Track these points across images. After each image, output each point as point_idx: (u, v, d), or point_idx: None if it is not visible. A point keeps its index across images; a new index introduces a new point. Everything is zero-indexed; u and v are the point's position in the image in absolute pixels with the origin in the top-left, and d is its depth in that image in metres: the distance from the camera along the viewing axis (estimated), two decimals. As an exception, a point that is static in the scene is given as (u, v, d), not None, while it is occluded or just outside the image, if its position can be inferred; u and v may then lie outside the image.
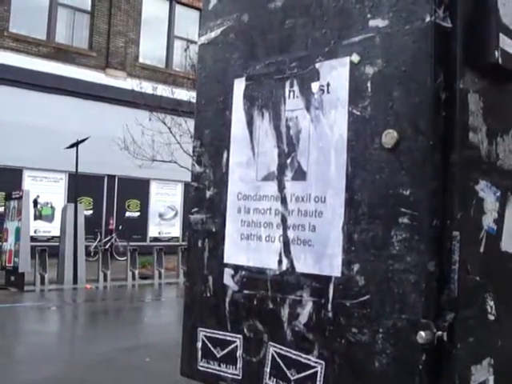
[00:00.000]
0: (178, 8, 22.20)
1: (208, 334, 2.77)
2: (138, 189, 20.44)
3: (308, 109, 2.44)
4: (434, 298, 2.06)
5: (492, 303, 2.27)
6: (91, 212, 19.52)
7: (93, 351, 8.29)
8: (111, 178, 19.83)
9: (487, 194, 2.25)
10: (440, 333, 2.01)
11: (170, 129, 18.94)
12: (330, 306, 2.30)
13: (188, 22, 21.93)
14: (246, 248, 2.63)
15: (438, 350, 2.02)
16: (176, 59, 21.95)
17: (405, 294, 2.09)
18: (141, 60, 20.95)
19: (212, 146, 2.84)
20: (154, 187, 21.27)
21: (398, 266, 2.11)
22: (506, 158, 2.38)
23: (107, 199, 20.11)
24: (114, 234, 19.72)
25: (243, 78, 2.72)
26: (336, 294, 2.28)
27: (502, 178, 2.34)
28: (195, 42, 21.69)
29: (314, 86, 2.42)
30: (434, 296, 2.06)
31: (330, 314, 2.30)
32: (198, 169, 2.90)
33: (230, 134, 2.75)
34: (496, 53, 2.17)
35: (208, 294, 2.79)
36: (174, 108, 18.73)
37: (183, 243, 19.62)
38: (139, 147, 18.43)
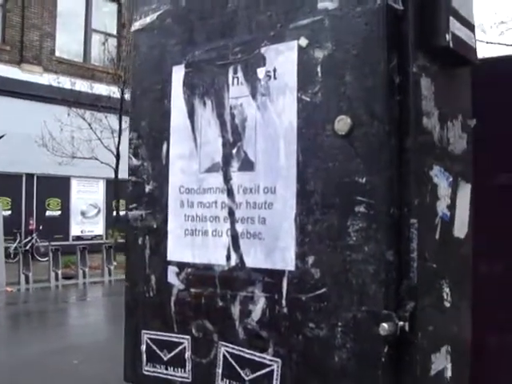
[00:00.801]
0: (96, 0, 21.54)
1: (152, 337, 2.62)
2: (58, 187, 19.73)
3: (254, 96, 2.32)
4: (393, 288, 2.00)
5: (448, 290, 2.24)
6: (9, 212, 18.70)
7: (17, 355, 7.89)
8: (30, 176, 19.03)
9: (440, 179, 2.21)
10: (402, 323, 1.95)
11: (90, 125, 18.46)
12: (284, 301, 2.20)
13: (106, 15, 21.36)
14: (191, 244, 2.49)
15: (399, 341, 1.96)
16: (94, 53, 21.30)
17: (364, 285, 2.02)
18: (57, 54, 20.17)
19: (150, 137, 2.68)
20: (74, 185, 20.59)
21: (355, 256, 2.03)
22: (456, 142, 2.35)
23: (26, 198, 19.30)
24: (34, 235, 18.96)
25: (182, 65, 2.57)
26: (290, 288, 2.18)
27: (453, 163, 2.31)
28: (114, 36, 21.35)
29: (260, 72, 2.30)
30: (393, 286, 2.00)
31: (285, 310, 2.20)
32: (135, 162, 2.73)
33: (169, 124, 2.60)
34: (447, 36, 2.12)
35: (151, 294, 2.63)
36: (94, 103, 18.28)
37: (107, 241, 19.21)
38: (58, 144, 17.88)
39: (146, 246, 2.66)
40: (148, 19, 2.69)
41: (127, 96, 19.03)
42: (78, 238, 20.42)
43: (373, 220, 2.00)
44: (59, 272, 15.76)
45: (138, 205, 2.70)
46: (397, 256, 2.01)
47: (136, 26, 2.75)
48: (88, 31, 21.18)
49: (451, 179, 2.28)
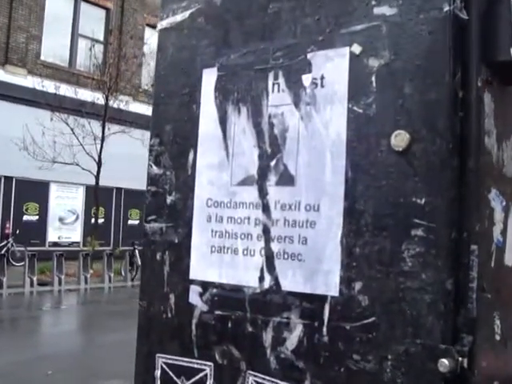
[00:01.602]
0: (84, 6, 21.30)
1: (169, 361, 2.41)
2: (36, 191, 19.39)
3: (297, 104, 2.15)
4: (451, 320, 1.83)
5: (499, 322, 2.08)
6: (-15, 216, 18.32)
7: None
8: (8, 179, 18.66)
9: (496, 203, 2.05)
10: (460, 359, 1.78)
11: (72, 130, 18.20)
12: (325, 329, 2.01)
13: (93, 20, 21.14)
14: (218, 262, 2.30)
15: (457, 379, 1.79)
16: (80, 58, 21.08)
17: (419, 315, 1.84)
18: (43, 58, 19.89)
19: (174, 144, 2.48)
20: (53, 190, 20.24)
21: (410, 284, 1.86)
22: (509, 164, 2.19)
23: (4, 202, 18.91)
24: (10, 239, 18.55)
25: (214, 69, 2.38)
26: (333, 315, 2.00)
27: (506, 186, 2.15)
28: (100, 42, 21.17)
29: (305, 79, 2.13)
30: (451, 318, 1.83)
31: (326, 339, 2.01)
32: (155, 170, 2.53)
33: (197, 131, 2.41)
34: (511, 50, 1.97)
35: (169, 315, 2.42)
36: (77, 109, 18.09)
37: (84, 248, 18.89)
38: (39, 148, 17.61)
39: (166, 263, 2.45)
40: (178, 17, 2.50)
41: (111, 102, 18.88)
42: (55, 244, 20.05)
43: (432, 245, 1.83)
44: (34, 278, 15.61)
45: (158, 217, 2.50)
46: (455, 285, 1.84)
47: (163, 24, 2.56)
48: (75, 36, 20.96)
49: (504, 203, 2.13)
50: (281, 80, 2.20)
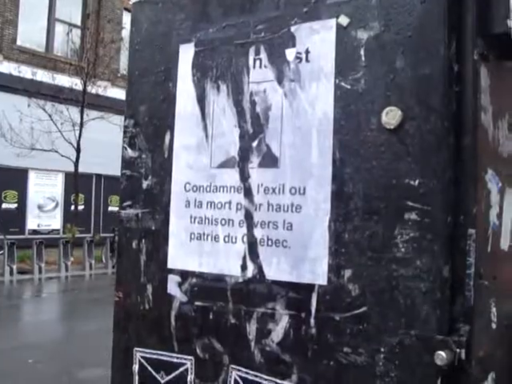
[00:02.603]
0: (60, -11, 20.86)
1: (147, 355, 2.27)
2: (15, 179, 19.03)
3: (280, 81, 2.01)
4: (447, 310, 1.72)
5: (495, 310, 1.97)
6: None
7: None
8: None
9: (493, 184, 1.93)
10: (458, 350, 1.66)
11: (50, 116, 17.90)
12: (312, 320, 1.89)
13: (70, 4, 20.68)
14: (198, 250, 2.16)
15: (454, 371, 1.68)
16: (57, 43, 20.66)
17: (414, 305, 1.73)
18: (19, 43, 19.42)
19: (150, 125, 2.33)
20: (32, 177, 19.89)
21: (404, 271, 1.74)
22: (504, 144, 2.07)
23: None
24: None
25: (192, 44, 2.23)
26: (321, 305, 1.88)
27: (502, 167, 2.04)
28: (78, 27, 20.76)
29: (289, 54, 1.99)
30: (447, 307, 1.72)
31: (314, 331, 1.89)
32: (130, 153, 2.38)
33: (173, 110, 2.26)
34: (508, 22, 1.84)
35: (146, 307, 2.29)
36: (55, 95, 17.77)
37: (64, 236, 18.65)
38: (17, 135, 17.28)
39: (142, 251, 2.31)
40: (152, -10, 2.34)
41: (90, 88, 18.56)
42: (35, 231, 19.75)
43: (427, 229, 1.71)
44: (14, 267, 15.44)
45: (134, 203, 2.35)
46: (452, 272, 1.72)
47: (137, -3, 2.40)
48: (51, 20, 20.51)
49: (500, 184, 2.01)
50: (263, 55, 2.05)
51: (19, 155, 17.40)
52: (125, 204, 2.38)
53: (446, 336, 1.69)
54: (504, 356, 2.10)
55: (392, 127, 1.77)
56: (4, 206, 19.19)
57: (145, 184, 2.32)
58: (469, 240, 1.74)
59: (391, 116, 1.77)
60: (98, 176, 21.50)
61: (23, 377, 6.68)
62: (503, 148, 2.08)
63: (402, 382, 1.73)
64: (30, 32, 19.63)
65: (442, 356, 1.64)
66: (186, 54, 2.24)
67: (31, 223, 20.04)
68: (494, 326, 1.98)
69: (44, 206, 20.51)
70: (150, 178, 2.31)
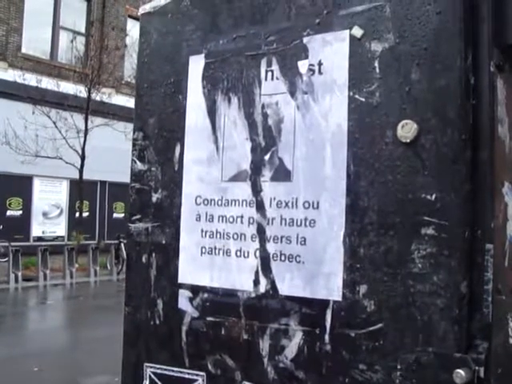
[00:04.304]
0: (65, -3, 20.92)
1: (158, 371, 2.24)
2: (20, 186, 19.07)
3: (293, 93, 1.98)
4: (465, 326, 1.68)
5: (511, 324, 1.93)
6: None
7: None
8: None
9: (509, 197, 1.90)
10: (477, 368, 1.63)
11: (55, 123, 17.93)
12: (327, 336, 1.86)
13: (74, 12, 20.76)
14: (209, 265, 2.13)
15: (474, 390, 1.64)
16: (62, 51, 20.72)
17: (431, 321, 1.69)
18: (24, 50, 19.49)
19: (159, 138, 2.30)
20: (37, 184, 19.91)
21: (421, 287, 1.71)
22: (519, 155, 2.05)
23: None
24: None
25: (202, 55, 2.21)
26: (336, 322, 1.84)
27: (517, 179, 2.01)
28: (82, 34, 20.83)
29: (302, 66, 1.96)
30: (465, 323, 1.68)
31: (328, 347, 1.85)
32: (139, 166, 2.35)
33: (184, 123, 2.23)
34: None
35: (157, 322, 2.25)
36: (60, 102, 17.80)
37: (69, 242, 18.67)
38: (22, 142, 17.32)
39: (152, 266, 2.28)
40: (162, 1, 2.32)
41: (94, 95, 18.59)
42: (40, 238, 19.76)
43: (445, 244, 1.68)
44: (19, 273, 15.45)
45: (143, 216, 2.32)
46: (469, 288, 1.69)
47: (146, 8, 2.38)
48: (56, 28, 20.58)
49: (516, 197, 1.98)
50: (275, 67, 2.02)
51: (24, 162, 17.43)
52: (134, 218, 2.35)
53: (464, 353, 1.65)
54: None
55: (408, 140, 1.74)
56: (9, 213, 19.21)
57: (154, 197, 2.29)
58: (486, 255, 1.70)
59: (407, 129, 1.74)
60: (103, 183, 21.52)
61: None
62: (518, 160, 2.04)
63: (420, 400, 1.70)
64: (34, 40, 19.70)
65: (461, 374, 1.60)
66: (196, 65, 2.21)
67: (36, 230, 20.06)
68: (511, 341, 1.95)
69: (49, 213, 20.53)
70: (159, 191, 2.28)
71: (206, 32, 2.20)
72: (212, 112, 2.16)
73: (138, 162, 2.36)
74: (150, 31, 2.38)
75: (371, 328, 1.78)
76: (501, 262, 1.83)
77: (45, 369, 7.37)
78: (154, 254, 2.28)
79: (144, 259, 2.30)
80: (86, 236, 19.29)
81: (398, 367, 1.73)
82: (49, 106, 17.72)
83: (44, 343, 9.12)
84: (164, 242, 2.26)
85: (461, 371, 1.60)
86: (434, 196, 1.70)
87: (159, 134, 2.31)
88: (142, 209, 2.34)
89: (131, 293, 2.37)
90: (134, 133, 2.40)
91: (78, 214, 19.07)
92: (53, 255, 16.43)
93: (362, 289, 1.80)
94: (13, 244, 16.46)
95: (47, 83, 17.92)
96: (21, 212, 19.58)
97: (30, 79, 17.74)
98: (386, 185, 1.78)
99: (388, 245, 1.77)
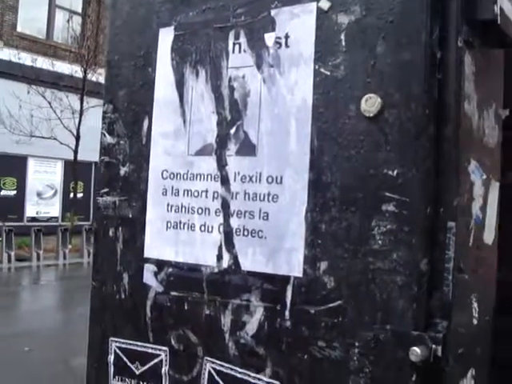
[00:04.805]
0: (61, -24, 20.69)
1: (123, 346, 2.22)
2: (14, 166, 18.95)
3: (259, 66, 1.94)
4: (425, 304, 1.66)
5: (476, 305, 1.92)
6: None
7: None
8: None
9: (476, 176, 1.88)
10: (434, 346, 1.61)
11: (50, 103, 17.79)
12: (287, 312, 1.84)
13: (71, -9, 20.56)
14: (174, 239, 2.11)
15: (429, 368, 1.62)
16: (57, 30, 20.54)
17: (390, 299, 1.67)
18: (19, 29, 19.28)
19: (129, 111, 2.27)
20: (31, 164, 19.81)
21: (381, 264, 1.68)
22: (490, 134, 2.02)
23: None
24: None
25: (171, 28, 2.16)
26: (296, 298, 1.82)
27: (487, 159, 1.98)
28: (78, 14, 20.61)
29: (268, 38, 1.92)
30: (425, 301, 1.66)
31: (288, 324, 1.84)
32: (109, 140, 2.32)
33: (152, 96, 2.20)
34: (495, 8, 1.78)
35: (122, 296, 2.24)
36: (55, 82, 17.64)
37: (63, 223, 18.62)
38: (16, 122, 17.19)
39: (119, 240, 2.25)
40: (132, -28, 2.27)
41: (90, 76, 18.45)
42: (33, 219, 19.70)
43: (405, 221, 1.65)
44: (12, 254, 15.36)
45: (111, 190, 2.29)
46: (430, 266, 1.67)
47: (117, -21, 2.33)
48: (52, 7, 20.37)
49: (485, 176, 1.96)
50: (242, 39, 1.99)
51: (18, 142, 17.32)
52: (102, 191, 2.33)
53: (423, 332, 1.64)
54: (485, 352, 2.05)
55: (371, 115, 1.71)
56: (3, 192, 19.14)
57: (122, 171, 2.26)
58: (448, 233, 1.68)
59: (370, 103, 1.71)
60: (97, 164, 21.42)
61: (18, 365, 6.65)
62: (488, 138, 2.02)
63: (377, 377, 1.68)
64: (30, 18, 19.51)
65: (416, 352, 1.58)
66: (166, 38, 2.18)
67: (30, 210, 19.99)
68: (475, 321, 1.93)
69: (43, 193, 20.46)
70: (127, 164, 2.26)
71: (176, 4, 2.16)
72: (180, 85, 2.13)
73: (107, 135, 2.34)
74: (121, 3, 2.34)
75: (331, 305, 1.76)
76: (465, 242, 1.81)
77: (35, 348, 7.36)
78: (120, 228, 2.26)
79: (111, 233, 2.28)
80: (79, 217, 19.24)
81: (356, 344, 1.71)
82: (44, 85, 17.57)
83: (35, 323, 9.12)
84: (131, 215, 2.23)
85: (416, 349, 1.59)
86: (395, 172, 1.67)
87: (128, 107, 2.28)
88: (110, 182, 2.31)
89: (98, 267, 2.35)
90: (103, 105, 2.37)
91: (72, 195, 19.00)
92: (46, 236, 16.39)
93: (323, 265, 1.77)
94: (6, 224, 16.42)
95: (42, 63, 17.77)
96: (15, 192, 19.51)
97: (26, 58, 17.57)
98: (348, 160, 1.75)
99: (349, 221, 1.74)
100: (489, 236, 2.05)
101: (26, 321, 9.73)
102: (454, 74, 1.70)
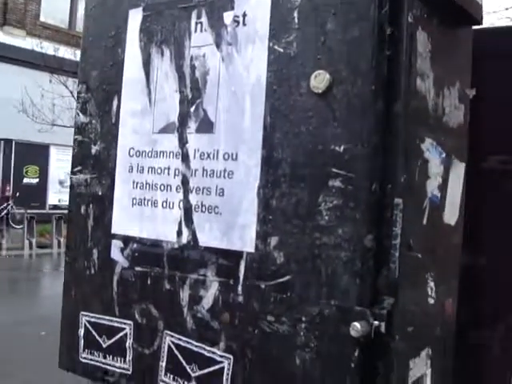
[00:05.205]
0: (84, -36, 20.79)
1: (92, 320, 2.27)
2: (36, 154, 19.16)
3: (218, 45, 1.96)
4: (370, 281, 1.67)
5: (432, 284, 1.91)
6: (-14, 178, 18.22)
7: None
8: (8, 142, 18.43)
9: (432, 154, 1.87)
10: (377, 323, 1.62)
11: (71, 92, 17.92)
12: (240, 287, 1.86)
13: (94, -21, 20.63)
14: (139, 215, 2.14)
15: (373, 344, 1.63)
16: (80, 20, 20.66)
17: (335, 274, 1.68)
18: (42, 19, 19.46)
19: (100, 91, 2.31)
20: (54, 153, 20.01)
21: (326, 239, 1.70)
22: (452, 113, 2.01)
23: (3, 165, 18.73)
24: (10, 201, 18.45)
25: (140, 9, 2.19)
26: (248, 273, 1.85)
27: (447, 138, 1.97)
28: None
29: (227, 17, 1.94)
30: (370, 278, 1.67)
31: (241, 298, 1.86)
32: (82, 119, 2.36)
33: (122, 76, 2.23)
34: (449, -17, 1.77)
35: (92, 272, 2.28)
36: (77, 71, 17.71)
37: (85, 212, 18.76)
38: (39, 110, 17.39)
39: (90, 216, 2.30)
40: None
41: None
42: (55, 206, 19.89)
43: (350, 197, 1.66)
44: (33, 240, 15.51)
45: (83, 168, 2.34)
46: (376, 242, 1.67)
47: (92, -40, 2.36)
48: (75, -3, 20.52)
49: (444, 155, 1.95)
50: (203, 19, 2.01)
51: (40, 131, 17.52)
52: (75, 169, 2.37)
53: (368, 308, 1.64)
54: (446, 333, 2.05)
55: (320, 91, 1.72)
56: (25, 180, 19.38)
57: (93, 149, 2.30)
58: (395, 210, 1.68)
59: (319, 80, 1.71)
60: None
61: (34, 348, 6.75)
62: (450, 118, 2.01)
63: (322, 352, 1.70)
64: (53, 8, 19.67)
65: (356, 327, 1.59)
66: (135, 18, 2.20)
67: (52, 198, 20.19)
68: (431, 301, 1.93)
69: (65, 181, 20.64)
70: (98, 143, 2.29)
71: (145, -16, 2.19)
72: (147, 65, 2.15)
73: (80, 114, 2.37)
74: (94, -16, 2.37)
75: (280, 280, 1.77)
76: (416, 219, 1.80)
77: (51, 333, 7.45)
78: (91, 205, 2.30)
79: (83, 210, 2.32)
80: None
81: (303, 319, 1.73)
82: (66, 75, 17.67)
83: (53, 308, 9.18)
84: (100, 193, 2.27)
85: (357, 324, 1.59)
86: (342, 148, 1.68)
87: (100, 87, 2.31)
88: (82, 161, 2.35)
89: (71, 243, 2.40)
90: (78, 86, 2.41)
91: (93, 184, 19.15)
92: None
93: (273, 241, 1.79)
94: (28, 211, 16.65)
95: (65, 52, 17.91)
96: (37, 180, 19.75)
97: (48, 48, 17.74)
98: (299, 136, 1.76)
99: (298, 196, 1.75)
100: (450, 216, 2.04)
101: (45, 306, 9.81)
102: (404, 51, 1.69)
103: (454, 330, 2.13)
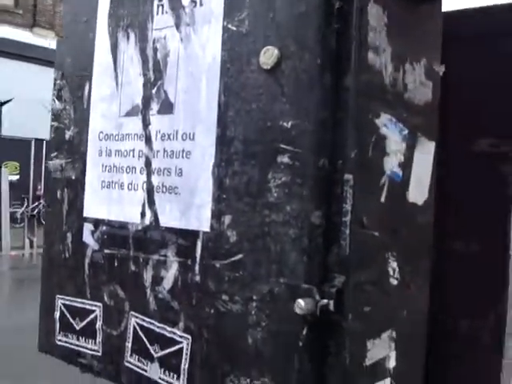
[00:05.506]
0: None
1: (66, 303, 2.30)
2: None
3: (178, 26, 1.96)
4: (319, 258, 1.64)
5: (395, 265, 1.88)
6: (18, 177, 18.55)
7: (13, 319, 7.75)
8: (39, 141, 18.82)
9: (391, 131, 1.83)
10: (325, 301, 1.59)
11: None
12: (197, 267, 1.86)
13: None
14: (108, 198, 2.16)
15: (323, 322, 1.61)
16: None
17: (283, 252, 1.67)
18: (71, 19, 19.80)
19: (74, 77, 2.33)
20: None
21: (275, 217, 1.68)
22: (417, 90, 1.97)
23: (35, 164, 19.14)
24: (41, 200, 18.80)
25: (109, -7, 2.21)
26: (204, 252, 1.84)
27: (411, 115, 1.93)
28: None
29: None
30: (319, 255, 1.64)
31: (198, 278, 1.86)
32: (57, 105, 2.39)
33: (92, 61, 2.25)
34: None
35: (67, 255, 2.31)
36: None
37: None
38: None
39: (64, 201, 2.33)
40: None
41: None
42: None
43: (298, 173, 1.64)
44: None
45: (59, 153, 2.37)
46: (325, 219, 1.65)
47: None
48: (104, -3, 20.76)
49: (406, 133, 1.91)
50: (165, 1, 2.01)
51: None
52: (52, 155, 2.40)
53: (318, 286, 1.62)
54: (411, 315, 2.01)
55: (268, 67, 1.70)
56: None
57: (67, 135, 2.33)
58: (345, 186, 1.65)
59: (268, 55, 1.70)
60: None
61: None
62: (414, 94, 1.97)
63: (273, 331, 1.68)
64: (82, 9, 19.94)
65: (300, 305, 1.57)
66: (104, 3, 2.22)
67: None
68: (394, 281, 1.89)
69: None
70: (72, 128, 2.32)
71: (112, -32, 2.20)
72: (114, 49, 2.17)
73: (56, 101, 2.40)
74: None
75: (233, 259, 1.77)
76: (371, 196, 1.77)
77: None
78: (66, 190, 2.33)
79: (58, 195, 2.35)
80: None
81: (254, 298, 1.72)
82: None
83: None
84: (74, 177, 2.30)
85: (301, 301, 1.57)
86: (290, 123, 1.66)
87: (73, 73, 2.34)
88: (58, 146, 2.38)
89: (48, 228, 2.43)
90: (54, 73, 2.43)
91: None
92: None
93: (227, 219, 1.78)
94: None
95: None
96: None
97: (77, 48, 18.01)
98: (250, 113, 1.75)
99: (249, 174, 1.74)
100: (417, 196, 2.00)
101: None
102: (354, 24, 1.66)
103: (425, 312, 2.08)
